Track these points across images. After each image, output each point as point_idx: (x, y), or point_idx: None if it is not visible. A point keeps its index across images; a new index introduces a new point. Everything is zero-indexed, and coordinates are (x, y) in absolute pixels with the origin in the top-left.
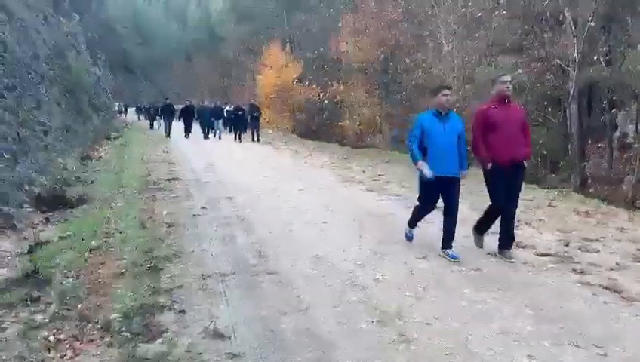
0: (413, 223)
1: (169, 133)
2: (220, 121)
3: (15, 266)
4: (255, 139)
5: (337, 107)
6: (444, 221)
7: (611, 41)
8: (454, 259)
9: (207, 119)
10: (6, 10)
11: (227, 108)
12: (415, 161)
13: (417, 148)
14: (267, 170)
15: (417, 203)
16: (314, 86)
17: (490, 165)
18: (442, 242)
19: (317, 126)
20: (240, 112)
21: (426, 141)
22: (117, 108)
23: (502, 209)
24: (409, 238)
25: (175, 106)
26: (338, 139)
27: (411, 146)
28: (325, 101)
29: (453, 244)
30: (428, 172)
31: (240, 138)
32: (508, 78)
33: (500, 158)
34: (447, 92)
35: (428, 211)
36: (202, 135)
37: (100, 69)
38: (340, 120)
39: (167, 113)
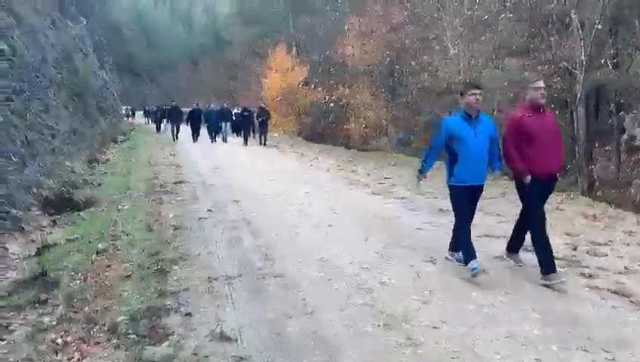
0: (462, 247)
1: (176, 136)
2: (228, 124)
3: (23, 268)
4: (262, 142)
5: (343, 110)
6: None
7: (619, 43)
8: (460, 261)
9: (214, 122)
10: (15, 15)
11: (235, 110)
12: (421, 172)
13: (434, 158)
14: (273, 173)
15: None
16: (320, 89)
17: (529, 177)
18: (450, 244)
19: (323, 129)
20: (247, 113)
21: (456, 147)
22: (124, 112)
23: (541, 216)
24: (466, 263)
25: (182, 109)
26: (344, 142)
27: (427, 153)
28: (331, 104)
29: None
30: (417, 189)
31: (247, 141)
32: (541, 83)
33: (535, 170)
34: (476, 91)
35: (469, 225)
36: (209, 139)
37: (106, 72)
38: (346, 123)
39: (174, 116)
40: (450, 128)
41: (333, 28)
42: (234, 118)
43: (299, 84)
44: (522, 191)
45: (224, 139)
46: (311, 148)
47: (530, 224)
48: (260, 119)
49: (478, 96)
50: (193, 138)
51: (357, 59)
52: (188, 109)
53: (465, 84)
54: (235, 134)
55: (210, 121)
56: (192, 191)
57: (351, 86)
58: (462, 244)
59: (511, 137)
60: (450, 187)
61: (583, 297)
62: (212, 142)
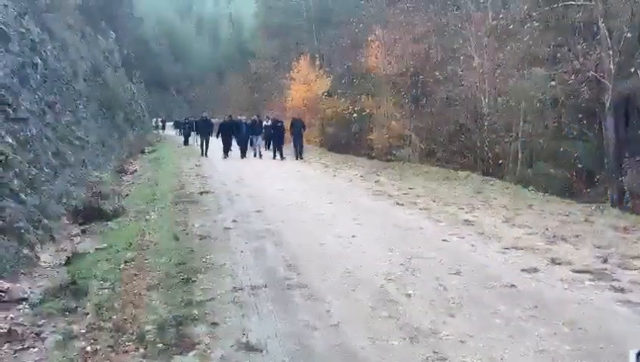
0: None
1: (206, 151)
2: (260, 138)
3: (53, 277)
4: (298, 156)
5: (366, 120)
6: None
7: None
8: None
9: (244, 136)
10: (48, 31)
11: (265, 123)
12: None
13: None
14: (297, 183)
15: None
16: (343, 100)
17: None
18: None
19: (346, 139)
20: (279, 124)
21: None
22: (154, 124)
23: None
24: None
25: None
26: (367, 152)
27: None
28: (354, 114)
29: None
30: None
31: (282, 155)
32: None
33: None
34: None
35: None
36: (240, 154)
37: (134, 85)
38: (369, 133)
39: (203, 129)
40: None
41: (357, 39)
42: (264, 130)
43: (322, 95)
44: None
45: (256, 154)
46: (334, 159)
47: None
48: (294, 130)
49: None
50: (224, 154)
51: (380, 70)
52: (216, 120)
53: None
54: (265, 148)
55: (240, 135)
56: (217, 201)
57: (374, 96)
58: None
59: None
60: None
61: (614, 312)
62: (242, 157)
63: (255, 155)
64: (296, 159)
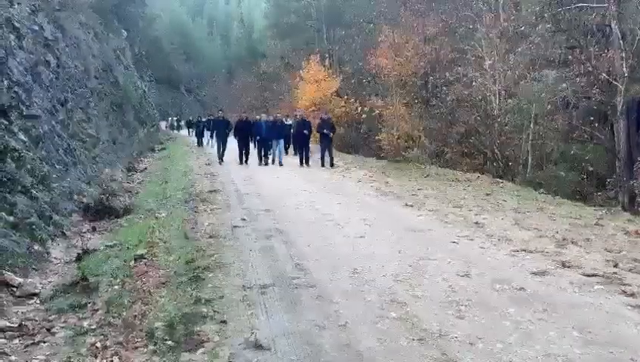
0: None
1: (222, 155)
2: (281, 142)
3: (64, 273)
4: (328, 163)
5: (375, 121)
6: None
7: None
8: None
9: (263, 139)
10: (61, 29)
11: (287, 121)
12: None
13: None
14: (305, 183)
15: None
16: (352, 100)
17: None
18: None
19: (355, 139)
20: (306, 124)
21: None
22: (169, 123)
23: None
24: None
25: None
26: (376, 152)
27: None
28: (363, 115)
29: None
30: None
31: (307, 161)
32: None
33: None
34: None
35: None
36: (257, 160)
37: (145, 83)
38: (378, 134)
39: (220, 129)
40: None
41: (367, 39)
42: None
43: (332, 95)
44: None
45: (279, 163)
46: (343, 159)
47: None
48: (321, 133)
49: None
50: (240, 159)
51: (390, 71)
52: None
53: None
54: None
55: (260, 138)
56: (226, 200)
57: (384, 97)
58: None
59: None
60: None
61: (625, 316)
62: (260, 163)
63: (273, 162)
64: (323, 166)
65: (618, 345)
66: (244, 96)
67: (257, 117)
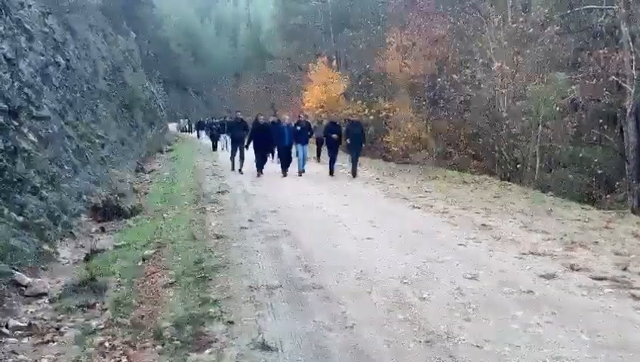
0: None
1: (241, 164)
2: (306, 148)
3: (73, 273)
4: (353, 172)
5: (382, 123)
6: None
7: None
8: None
9: (286, 147)
10: (71, 30)
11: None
12: None
13: None
14: (312, 185)
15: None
16: (359, 102)
17: None
18: None
19: None
20: (337, 128)
21: None
22: (180, 126)
23: None
24: None
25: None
26: (383, 154)
27: None
28: (371, 116)
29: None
30: None
31: (332, 171)
32: None
33: None
34: None
35: None
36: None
37: (154, 85)
38: (385, 135)
39: (236, 133)
40: None
41: (375, 41)
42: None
43: (339, 96)
44: None
45: (301, 171)
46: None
47: None
48: (351, 138)
49: None
50: (258, 169)
51: (398, 72)
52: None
53: None
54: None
55: (282, 144)
56: (234, 201)
57: (391, 99)
58: None
59: None
60: None
61: (634, 320)
62: (284, 175)
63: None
64: (355, 176)
65: (628, 349)
66: (252, 98)
67: (274, 118)
